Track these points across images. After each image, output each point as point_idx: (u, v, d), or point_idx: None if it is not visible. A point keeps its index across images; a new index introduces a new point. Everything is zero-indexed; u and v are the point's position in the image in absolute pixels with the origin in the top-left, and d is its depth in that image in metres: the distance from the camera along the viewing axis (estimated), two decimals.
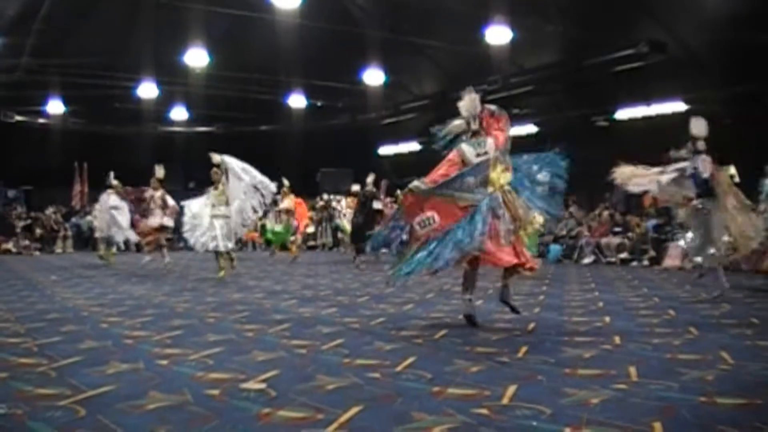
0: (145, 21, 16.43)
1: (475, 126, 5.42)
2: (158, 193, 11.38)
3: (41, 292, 8.06)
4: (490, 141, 5.32)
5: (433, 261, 5.04)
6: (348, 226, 16.04)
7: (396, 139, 22.51)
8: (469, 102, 5.45)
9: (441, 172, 5.27)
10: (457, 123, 5.58)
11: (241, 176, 9.81)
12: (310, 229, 17.80)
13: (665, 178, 7.11)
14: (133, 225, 12.34)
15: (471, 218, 5.00)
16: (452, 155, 5.35)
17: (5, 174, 19.58)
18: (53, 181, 19.20)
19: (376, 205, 12.41)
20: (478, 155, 5.23)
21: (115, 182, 12.62)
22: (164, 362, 4.11)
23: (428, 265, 5.11)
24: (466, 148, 5.30)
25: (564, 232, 14.93)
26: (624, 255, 13.60)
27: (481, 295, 7.80)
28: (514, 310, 5.53)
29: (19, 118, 19.43)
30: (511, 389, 3.43)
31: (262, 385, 3.54)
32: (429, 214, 5.08)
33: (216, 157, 9.98)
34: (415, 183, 5.21)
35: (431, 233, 5.08)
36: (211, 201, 9.96)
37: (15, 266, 12.79)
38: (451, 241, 4.97)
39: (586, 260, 13.95)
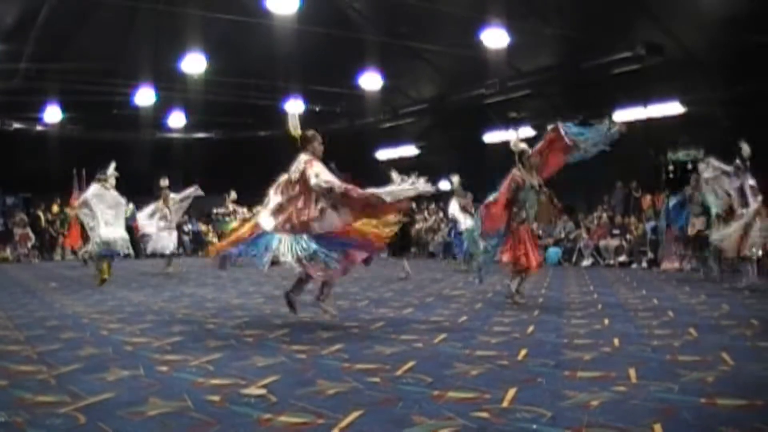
0: (142, 27, 16.43)
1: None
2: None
3: (40, 300, 8.05)
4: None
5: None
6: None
7: (394, 143, 22.53)
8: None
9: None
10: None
11: None
12: None
13: None
14: None
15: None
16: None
17: (4, 181, 19.56)
18: (52, 188, 19.19)
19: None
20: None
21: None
22: (164, 368, 4.11)
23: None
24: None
25: (563, 235, 14.94)
26: (623, 257, 13.61)
27: (480, 298, 7.82)
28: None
29: (17, 125, 19.42)
30: (511, 392, 3.44)
31: (263, 391, 3.54)
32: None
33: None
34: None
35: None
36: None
37: (14, 274, 12.78)
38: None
39: (585, 263, 13.96)
